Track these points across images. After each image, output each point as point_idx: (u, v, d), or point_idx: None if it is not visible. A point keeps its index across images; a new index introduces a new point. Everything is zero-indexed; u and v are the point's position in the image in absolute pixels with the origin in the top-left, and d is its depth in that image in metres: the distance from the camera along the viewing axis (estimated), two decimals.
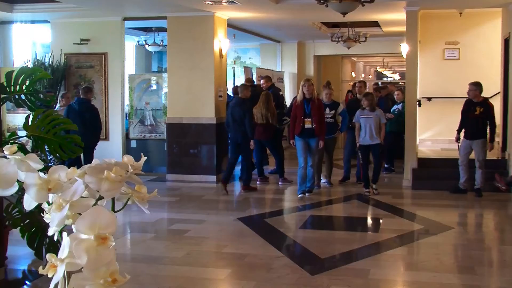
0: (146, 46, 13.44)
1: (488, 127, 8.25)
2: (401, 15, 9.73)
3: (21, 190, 1.18)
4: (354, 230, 6.95)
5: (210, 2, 8.70)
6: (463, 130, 8.43)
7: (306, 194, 8.15)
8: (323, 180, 9.16)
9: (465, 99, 8.62)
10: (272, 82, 10.75)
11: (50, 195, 1.16)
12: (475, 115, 8.23)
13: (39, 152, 4.80)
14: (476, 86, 8.28)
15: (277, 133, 9.76)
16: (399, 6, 9.31)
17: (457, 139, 8.50)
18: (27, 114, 4.60)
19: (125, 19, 10.40)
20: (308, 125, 7.94)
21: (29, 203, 1.19)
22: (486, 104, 8.29)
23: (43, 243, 4.74)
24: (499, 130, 10.14)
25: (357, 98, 9.33)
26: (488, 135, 8.26)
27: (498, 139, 10.01)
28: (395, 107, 10.63)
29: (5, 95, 4.78)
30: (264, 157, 10.09)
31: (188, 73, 9.78)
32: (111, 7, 9.60)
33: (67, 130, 5.21)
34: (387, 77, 29.65)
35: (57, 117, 4.71)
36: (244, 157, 8.69)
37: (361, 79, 11.02)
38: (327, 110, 8.66)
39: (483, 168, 8.23)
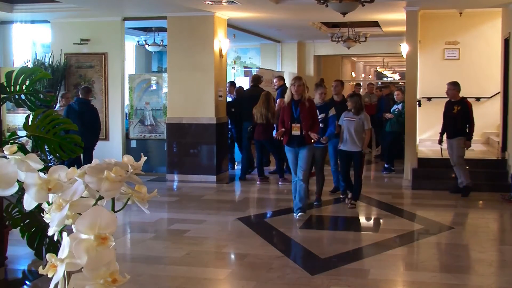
0: (146, 46, 13.44)
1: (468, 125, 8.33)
2: (401, 15, 9.73)
3: (21, 190, 1.18)
4: (354, 230, 6.95)
5: (210, 2, 8.70)
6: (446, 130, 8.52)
7: (299, 214, 6.95)
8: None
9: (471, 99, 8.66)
10: (284, 82, 10.78)
11: (50, 195, 1.16)
12: (453, 114, 8.32)
13: (39, 152, 4.81)
14: (454, 86, 8.38)
15: None
16: (399, 6, 9.31)
17: (440, 141, 8.52)
18: (27, 114, 4.60)
19: (125, 19, 10.40)
20: (296, 131, 6.77)
21: (29, 203, 1.19)
22: (463, 103, 8.37)
23: (43, 243, 4.74)
24: (498, 130, 10.14)
25: (333, 99, 8.35)
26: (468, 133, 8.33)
27: (498, 139, 10.02)
28: (395, 107, 10.63)
29: (5, 95, 4.78)
30: (264, 158, 10.09)
31: (188, 73, 9.78)
32: (111, 7, 9.60)
33: (67, 130, 5.21)
34: (387, 77, 29.65)
35: (57, 117, 4.71)
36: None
37: (338, 78, 10.18)
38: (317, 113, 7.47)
39: (459, 165, 8.28)
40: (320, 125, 7.31)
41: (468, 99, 8.62)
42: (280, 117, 7.05)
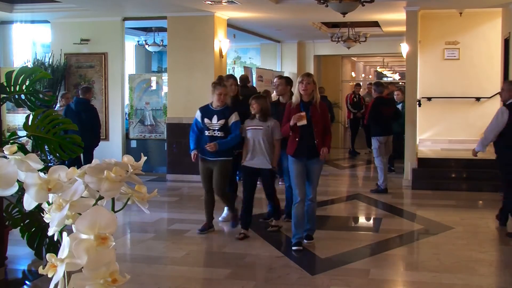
0: (146, 46, 13.44)
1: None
2: (401, 15, 9.73)
3: (21, 190, 1.18)
4: (354, 230, 6.95)
5: (210, 2, 8.71)
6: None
7: (305, 241, 5.72)
8: (221, 217, 6.92)
9: (466, 98, 8.71)
10: None
11: (50, 195, 1.16)
12: None
13: (39, 152, 4.81)
14: (373, 85, 9.41)
15: None
16: (399, 6, 9.31)
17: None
18: (27, 114, 4.60)
19: (125, 19, 10.41)
20: (302, 122, 5.47)
21: (29, 203, 1.19)
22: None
23: (43, 243, 4.74)
24: None
25: (278, 101, 6.87)
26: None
27: None
28: None
29: (5, 95, 4.78)
30: None
31: (188, 73, 9.78)
32: (111, 7, 9.60)
33: (65, 130, 5.21)
34: (387, 77, 29.64)
35: (57, 117, 4.71)
36: None
37: (282, 75, 8.91)
38: (214, 119, 6.07)
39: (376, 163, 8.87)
40: (219, 133, 6.04)
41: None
42: (283, 121, 5.69)
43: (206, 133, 6.09)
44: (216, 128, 6.06)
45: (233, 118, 6.07)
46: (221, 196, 6.25)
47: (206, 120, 6.12)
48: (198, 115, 6.25)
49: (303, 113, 5.43)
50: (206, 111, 6.18)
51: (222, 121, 6.05)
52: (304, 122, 5.43)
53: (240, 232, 6.07)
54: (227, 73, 8.94)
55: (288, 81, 6.98)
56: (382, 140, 8.76)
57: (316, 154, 5.54)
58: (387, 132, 8.80)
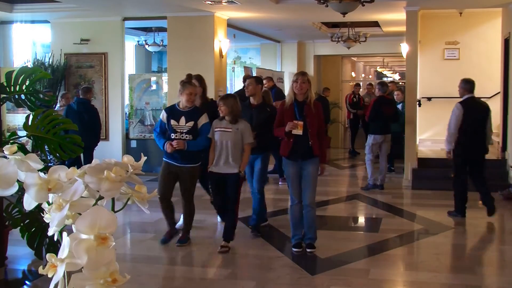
0: (146, 46, 13.44)
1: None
2: (401, 15, 9.73)
3: (21, 190, 1.18)
4: (354, 230, 6.95)
5: (210, 2, 8.71)
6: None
7: (307, 249, 5.52)
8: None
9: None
10: (274, 82, 10.74)
11: (50, 195, 1.16)
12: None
13: (39, 152, 4.81)
14: (377, 85, 9.59)
15: None
16: (399, 6, 9.31)
17: None
18: (27, 114, 4.60)
19: (125, 19, 10.41)
20: (298, 131, 5.29)
21: (29, 203, 1.19)
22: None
23: (43, 243, 4.75)
24: (498, 130, 10.13)
25: (249, 102, 6.43)
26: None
27: (498, 139, 10.01)
28: None
29: (5, 95, 4.78)
30: None
31: (188, 73, 9.76)
32: (111, 7, 9.60)
33: (66, 130, 5.21)
34: (387, 77, 29.65)
35: (57, 117, 4.71)
36: None
37: (253, 75, 8.50)
38: (182, 121, 5.61)
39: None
40: (187, 136, 5.59)
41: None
42: (276, 122, 5.51)
43: (173, 135, 5.58)
44: (184, 131, 5.58)
45: (203, 120, 5.63)
46: (188, 201, 5.78)
47: (172, 122, 5.61)
48: (163, 116, 5.71)
49: (301, 122, 5.26)
50: (173, 112, 5.68)
51: (190, 123, 5.59)
52: (299, 132, 5.25)
53: (221, 245, 5.64)
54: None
55: (258, 80, 6.58)
56: (379, 139, 8.80)
57: (311, 155, 5.38)
58: (385, 131, 8.83)
